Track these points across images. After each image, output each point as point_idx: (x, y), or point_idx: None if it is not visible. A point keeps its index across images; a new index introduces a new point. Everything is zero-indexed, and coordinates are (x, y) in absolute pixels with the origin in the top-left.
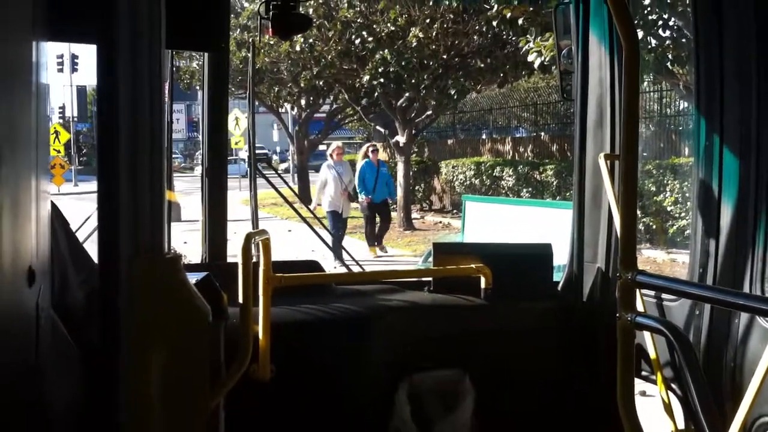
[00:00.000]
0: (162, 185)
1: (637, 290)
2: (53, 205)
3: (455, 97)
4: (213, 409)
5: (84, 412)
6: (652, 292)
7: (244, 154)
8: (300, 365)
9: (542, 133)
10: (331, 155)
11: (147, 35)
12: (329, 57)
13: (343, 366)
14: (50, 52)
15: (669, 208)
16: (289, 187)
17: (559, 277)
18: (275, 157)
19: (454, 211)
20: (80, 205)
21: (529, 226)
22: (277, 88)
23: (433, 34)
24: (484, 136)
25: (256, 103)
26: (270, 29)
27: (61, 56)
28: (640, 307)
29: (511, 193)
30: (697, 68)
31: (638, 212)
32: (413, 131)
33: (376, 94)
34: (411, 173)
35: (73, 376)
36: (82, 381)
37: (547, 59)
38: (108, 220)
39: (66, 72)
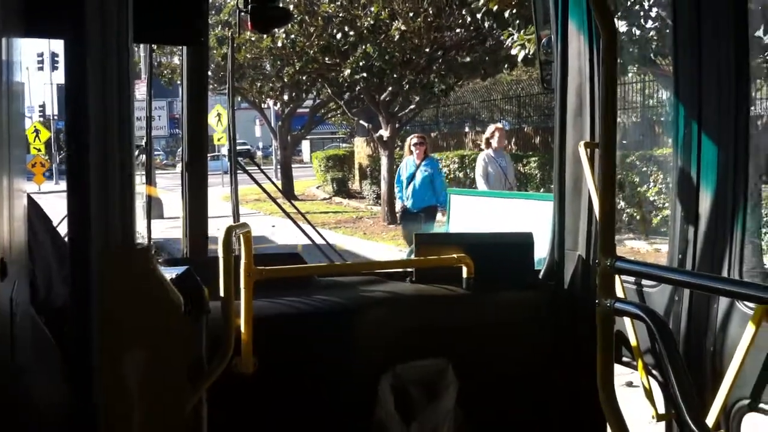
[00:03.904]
0: (131, 178)
1: (618, 277)
2: (35, 204)
3: (438, 93)
4: (196, 403)
5: (66, 411)
6: (633, 279)
7: (226, 150)
8: (283, 358)
9: (525, 126)
10: (488, 142)
11: (114, 29)
12: (311, 52)
13: (326, 358)
14: (30, 50)
15: (652, 199)
16: (272, 182)
17: (540, 265)
18: (258, 153)
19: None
20: (62, 203)
21: (515, 218)
22: (259, 84)
23: (416, 27)
24: (467, 129)
25: (238, 98)
26: (249, 23)
27: (41, 54)
28: (620, 294)
29: None
30: (675, 57)
31: (622, 203)
32: (397, 125)
33: (358, 88)
34: (395, 167)
35: (55, 374)
36: (64, 380)
37: (530, 53)
38: (78, 213)
39: (46, 70)
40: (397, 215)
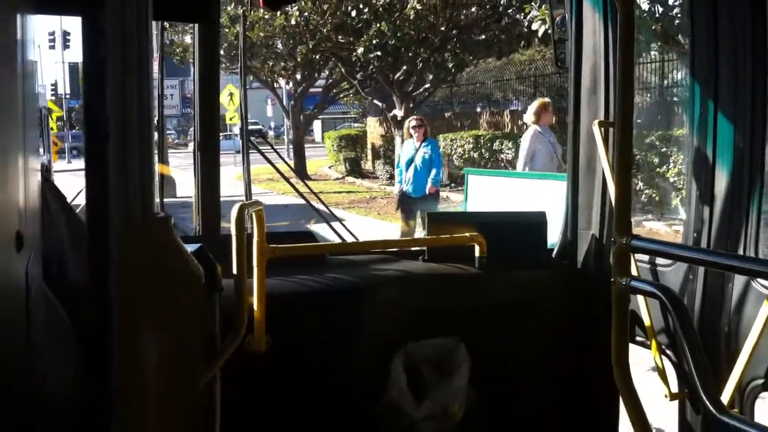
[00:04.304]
0: (150, 152)
1: (632, 256)
2: (51, 183)
3: (453, 70)
4: (209, 381)
5: (79, 388)
6: (647, 259)
7: (238, 130)
8: (295, 336)
9: None
10: (537, 117)
11: (133, 4)
12: (325, 30)
13: (339, 336)
14: (42, 29)
15: (672, 180)
16: (284, 161)
17: (553, 244)
18: (270, 133)
19: (452, 184)
20: (75, 182)
21: (532, 198)
22: (271, 63)
23: (431, 5)
24: (478, 110)
25: (250, 78)
26: (261, 1)
27: (53, 33)
28: (634, 273)
29: (510, 167)
30: (692, 36)
31: (641, 184)
32: (411, 105)
33: (372, 67)
34: None
35: (68, 351)
36: (77, 358)
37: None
38: (96, 185)
39: (58, 49)
40: (397, 199)
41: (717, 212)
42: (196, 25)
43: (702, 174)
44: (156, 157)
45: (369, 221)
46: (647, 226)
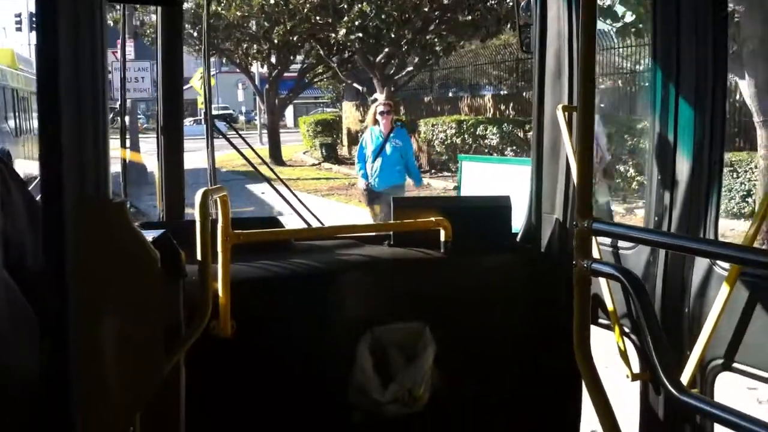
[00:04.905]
0: (105, 133)
1: (594, 240)
2: (10, 169)
3: (441, 54)
4: (173, 366)
5: (40, 377)
6: (609, 242)
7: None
8: (261, 321)
9: (524, 91)
10: None
11: None
12: (304, 11)
13: (304, 321)
14: (8, 11)
15: None
16: (250, 147)
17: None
18: (241, 117)
19: (433, 171)
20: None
21: (527, 184)
22: (245, 45)
23: None
24: (450, 94)
25: (223, 60)
26: None
27: (20, 15)
28: (597, 256)
29: (494, 152)
30: (654, 20)
31: (632, 170)
32: (392, 89)
33: (352, 49)
34: None
35: (31, 341)
36: (41, 347)
37: None
38: (50, 168)
39: (25, 31)
40: (363, 195)
41: (678, 196)
42: (159, 7)
43: (663, 157)
44: (120, 142)
45: (351, 209)
46: (639, 214)
